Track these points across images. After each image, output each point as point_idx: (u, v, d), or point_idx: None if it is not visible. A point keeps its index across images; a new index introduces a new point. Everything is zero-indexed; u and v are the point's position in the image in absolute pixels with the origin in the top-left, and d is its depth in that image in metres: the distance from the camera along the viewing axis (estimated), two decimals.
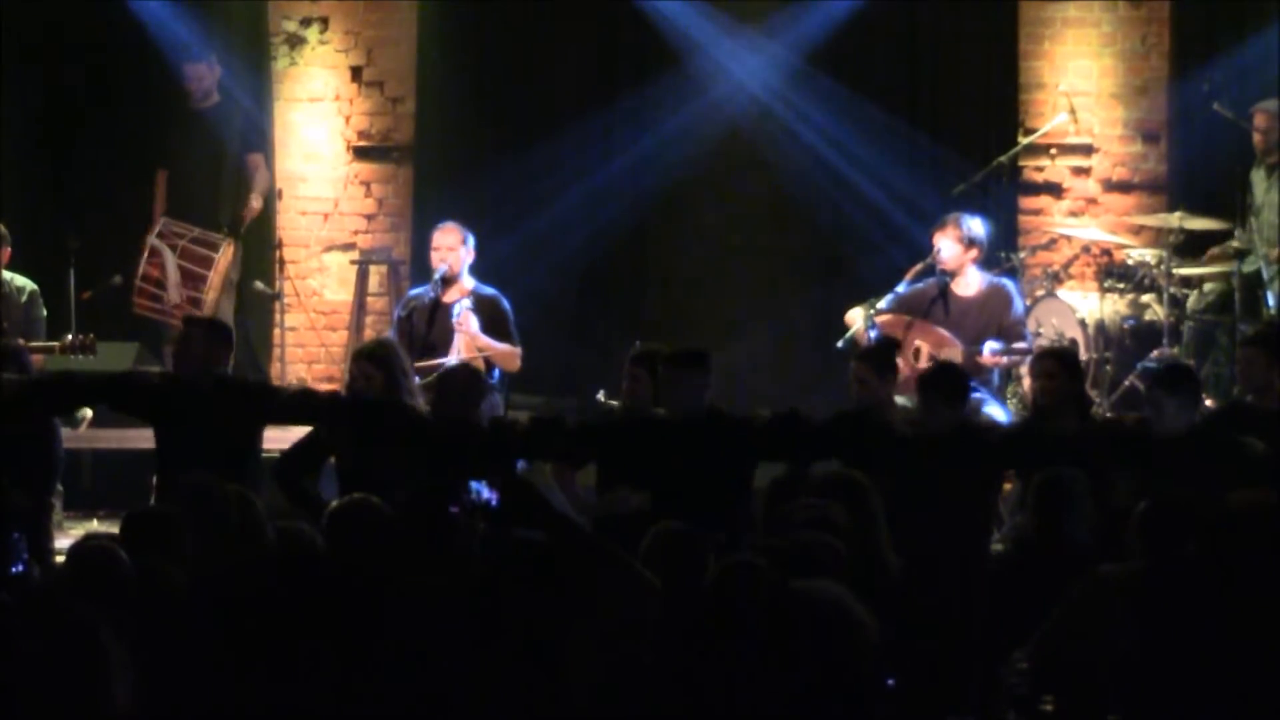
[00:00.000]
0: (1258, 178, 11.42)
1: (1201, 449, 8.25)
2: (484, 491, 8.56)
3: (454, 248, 10.36)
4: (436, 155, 12.78)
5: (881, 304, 10.23)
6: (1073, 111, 12.14)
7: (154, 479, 9.04)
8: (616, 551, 6.32)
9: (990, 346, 10.00)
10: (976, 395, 9.91)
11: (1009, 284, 10.43)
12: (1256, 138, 11.45)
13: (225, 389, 8.83)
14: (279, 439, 9.34)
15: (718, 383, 8.69)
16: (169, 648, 5.99)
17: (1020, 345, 10.07)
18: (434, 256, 10.42)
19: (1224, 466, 8.22)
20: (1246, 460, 8.37)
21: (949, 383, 8.52)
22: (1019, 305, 10.31)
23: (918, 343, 9.96)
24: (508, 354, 10.21)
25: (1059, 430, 8.63)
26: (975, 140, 12.21)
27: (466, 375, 8.87)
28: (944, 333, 10.06)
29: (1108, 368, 11.18)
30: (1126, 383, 11.07)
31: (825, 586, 5.74)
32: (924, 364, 9.84)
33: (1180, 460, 8.19)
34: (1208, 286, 11.53)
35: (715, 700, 5.59)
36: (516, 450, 8.66)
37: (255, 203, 11.78)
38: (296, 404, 9.13)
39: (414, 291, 10.63)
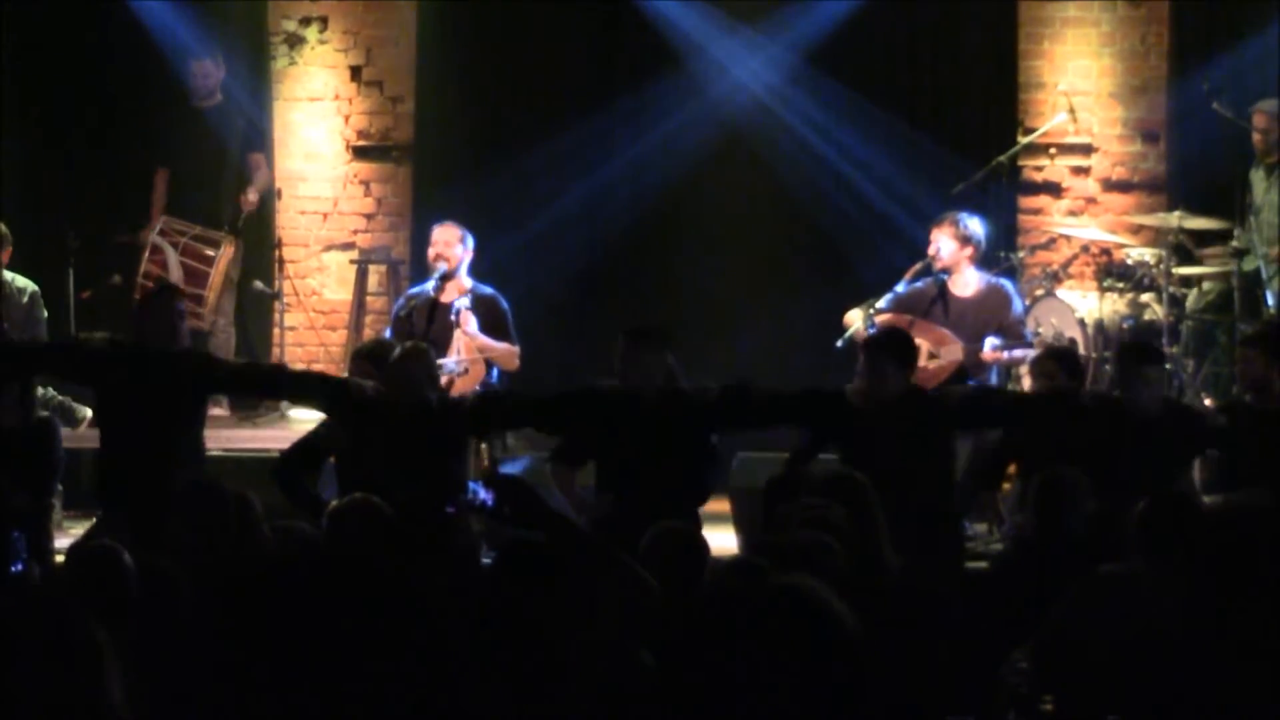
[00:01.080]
0: (1257, 177, 11.42)
1: (1169, 421, 8.40)
2: (480, 492, 8.57)
3: (451, 244, 10.38)
4: (436, 155, 12.79)
5: (881, 304, 10.23)
6: (1072, 111, 12.14)
7: (97, 454, 9.08)
8: (614, 551, 6.33)
9: (991, 342, 10.01)
10: None
11: (1007, 284, 10.44)
12: (1256, 137, 11.46)
13: (167, 360, 8.87)
14: (279, 439, 9.36)
15: (716, 381, 8.77)
16: (169, 647, 5.99)
17: (1019, 351, 10.06)
18: (431, 252, 10.44)
19: (1188, 438, 8.40)
20: (1207, 432, 8.52)
21: (896, 346, 8.63)
22: (1018, 304, 10.32)
23: (919, 341, 9.96)
24: (506, 353, 10.22)
25: (1008, 395, 8.81)
26: (975, 140, 12.21)
27: (420, 356, 8.89)
28: (944, 330, 10.07)
29: (1107, 367, 11.18)
30: None
31: (801, 579, 5.74)
32: (924, 362, 9.85)
33: (1151, 433, 8.32)
34: (1207, 286, 11.53)
35: (715, 700, 5.59)
36: (463, 426, 8.79)
37: (252, 196, 11.77)
38: (239, 375, 9.33)
39: (413, 291, 10.63)
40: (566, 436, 8.77)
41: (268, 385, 9.55)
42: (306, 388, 9.21)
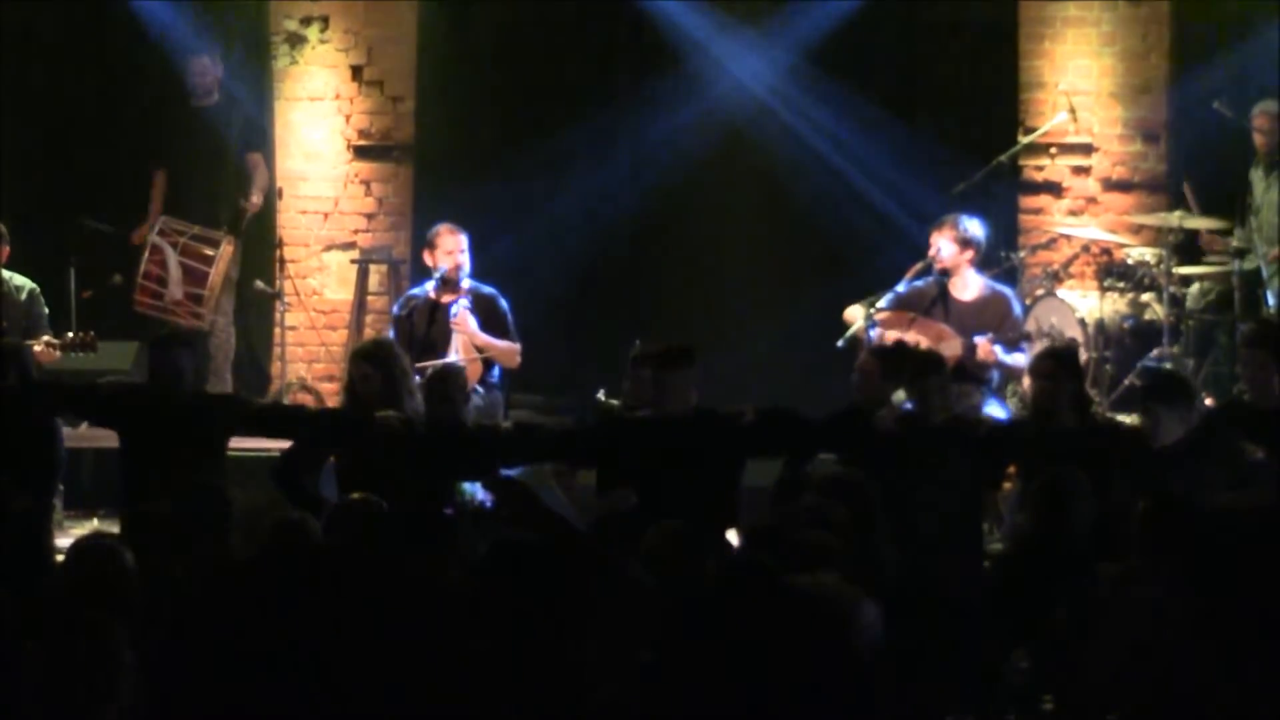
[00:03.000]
0: (1257, 177, 11.42)
1: (1197, 456, 8.29)
2: (479, 493, 8.58)
3: (465, 250, 10.36)
4: (436, 155, 12.79)
5: (881, 303, 10.23)
6: (1072, 111, 12.14)
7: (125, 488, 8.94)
8: (611, 552, 6.33)
9: (987, 336, 9.99)
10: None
11: (1007, 291, 10.42)
12: (1257, 138, 11.46)
13: (193, 402, 8.85)
14: (279, 439, 9.33)
15: (716, 382, 8.72)
16: (170, 646, 5.99)
17: (1010, 357, 10.01)
18: (445, 259, 10.36)
19: (1218, 471, 8.28)
20: (1239, 465, 8.43)
21: (939, 369, 8.64)
22: (1018, 314, 10.32)
23: (919, 337, 9.96)
24: (507, 351, 10.22)
25: (1055, 429, 8.69)
26: (975, 140, 12.21)
27: (454, 375, 8.88)
28: (944, 327, 10.07)
29: (1107, 367, 11.19)
30: (1126, 382, 11.08)
31: (822, 580, 5.75)
32: None
33: (1177, 466, 8.23)
34: (1207, 285, 11.54)
35: (715, 699, 5.59)
36: (497, 454, 8.70)
37: (255, 198, 11.78)
38: (266, 417, 9.20)
39: (413, 291, 10.63)
40: (599, 469, 8.68)
41: (292, 426, 9.20)
42: (331, 428, 9.04)
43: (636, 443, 8.52)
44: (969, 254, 10.29)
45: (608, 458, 8.62)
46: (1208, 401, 10.69)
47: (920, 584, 6.97)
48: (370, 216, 12.86)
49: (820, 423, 8.62)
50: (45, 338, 10.21)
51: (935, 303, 10.24)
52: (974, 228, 10.33)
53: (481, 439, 8.74)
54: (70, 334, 10.23)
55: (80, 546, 6.29)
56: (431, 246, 10.45)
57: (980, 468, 8.54)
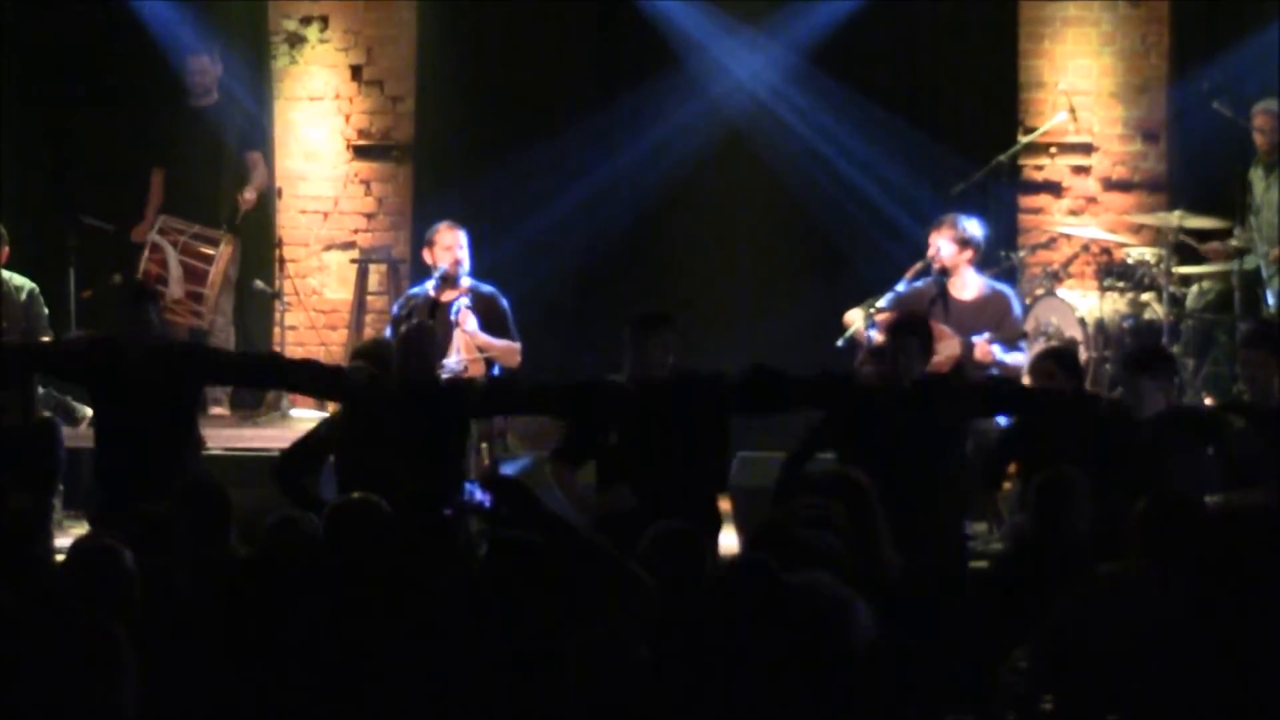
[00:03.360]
0: (1257, 177, 11.42)
1: (1173, 428, 8.39)
2: (477, 493, 8.59)
3: (464, 246, 10.37)
4: (436, 154, 12.79)
5: (881, 303, 10.23)
6: (1072, 110, 12.14)
7: (95, 451, 9.00)
8: (610, 551, 6.33)
9: (986, 335, 10.00)
10: None
11: (1007, 290, 10.42)
12: (1257, 137, 11.46)
13: (162, 351, 8.86)
14: (279, 439, 9.36)
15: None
16: (170, 646, 6.00)
17: (1011, 356, 10.03)
18: (444, 256, 10.37)
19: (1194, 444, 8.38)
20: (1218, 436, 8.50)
21: (922, 328, 8.75)
22: (1018, 313, 10.32)
23: None
24: (507, 350, 10.22)
25: (1021, 386, 8.86)
26: (975, 140, 12.21)
27: (423, 333, 8.91)
28: (943, 327, 10.07)
29: (1107, 366, 11.18)
30: None
31: (817, 578, 5.75)
32: None
33: (1155, 439, 8.31)
34: (1207, 285, 11.54)
35: (714, 699, 5.59)
36: (471, 408, 8.80)
37: (249, 195, 11.77)
38: (237, 364, 9.30)
39: (412, 291, 10.63)
40: (569, 432, 8.75)
41: (263, 374, 9.56)
42: (302, 376, 9.20)
43: (613, 401, 8.59)
44: (968, 254, 10.30)
45: (584, 415, 8.71)
46: (1207, 402, 10.70)
47: (901, 544, 6.98)
48: (370, 216, 12.86)
49: (800, 379, 8.73)
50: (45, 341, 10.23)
51: (934, 302, 10.24)
52: (972, 227, 10.33)
53: (456, 392, 8.79)
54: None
55: (80, 546, 6.29)
56: (430, 244, 10.45)
57: (960, 421, 8.68)
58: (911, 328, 8.77)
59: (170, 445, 8.67)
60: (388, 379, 8.68)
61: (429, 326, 9.04)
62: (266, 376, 9.66)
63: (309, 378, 9.15)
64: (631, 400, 8.56)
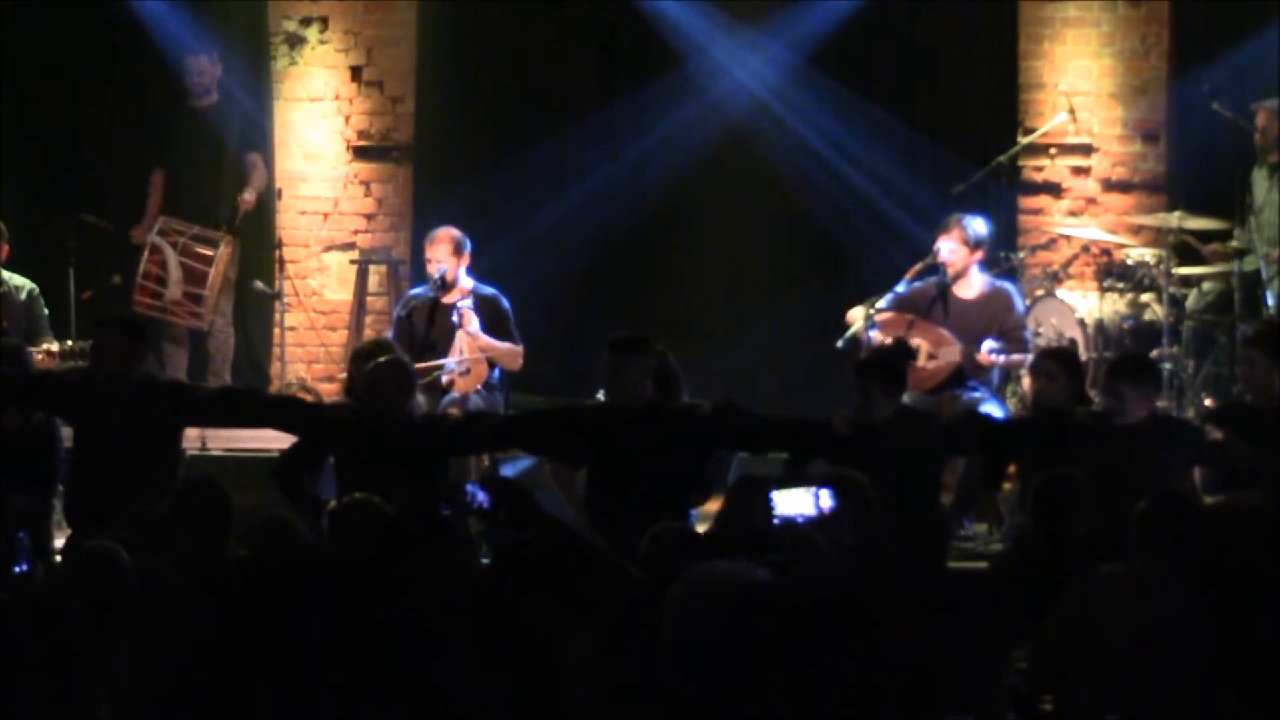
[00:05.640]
0: (1258, 177, 11.41)
1: (1156, 435, 8.35)
2: (477, 494, 8.58)
3: (443, 260, 10.35)
4: (436, 155, 12.79)
5: (881, 303, 10.23)
6: (1072, 111, 12.14)
7: (69, 479, 8.90)
8: (608, 553, 6.33)
9: (989, 345, 9.99)
10: (975, 394, 9.94)
11: (1010, 287, 10.42)
12: (1257, 137, 11.45)
13: (144, 390, 8.83)
14: (279, 439, 9.34)
15: (716, 381, 8.74)
16: (169, 646, 5.99)
17: (1016, 355, 10.03)
18: (430, 264, 10.40)
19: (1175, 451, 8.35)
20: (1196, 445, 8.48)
21: (884, 368, 8.61)
22: (1020, 309, 10.31)
23: (918, 341, 9.95)
24: (509, 352, 10.22)
25: (995, 421, 8.77)
26: (975, 140, 12.20)
27: (396, 368, 8.85)
28: (944, 332, 10.07)
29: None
30: None
31: (819, 578, 5.76)
32: (923, 362, 9.86)
33: (1136, 446, 8.27)
34: (1207, 286, 11.53)
35: (713, 698, 5.59)
36: (445, 445, 8.77)
37: (248, 196, 11.76)
38: (217, 403, 9.22)
39: (413, 291, 10.63)
40: (560, 447, 8.72)
41: (244, 412, 9.39)
42: (282, 414, 9.13)
43: (585, 432, 8.56)
44: (977, 255, 10.28)
45: (556, 446, 8.68)
46: (1207, 402, 10.70)
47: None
48: (370, 217, 12.86)
49: (772, 421, 8.67)
50: (45, 346, 10.22)
51: (935, 302, 10.23)
52: (979, 227, 10.32)
53: (430, 429, 8.76)
54: (70, 343, 10.24)
55: (79, 547, 6.29)
56: (425, 258, 10.50)
57: (933, 463, 8.59)
58: (874, 368, 8.64)
59: (145, 475, 8.55)
60: (367, 415, 8.63)
61: (402, 363, 8.94)
62: (248, 415, 9.50)
63: (288, 416, 9.05)
64: (608, 429, 8.50)
